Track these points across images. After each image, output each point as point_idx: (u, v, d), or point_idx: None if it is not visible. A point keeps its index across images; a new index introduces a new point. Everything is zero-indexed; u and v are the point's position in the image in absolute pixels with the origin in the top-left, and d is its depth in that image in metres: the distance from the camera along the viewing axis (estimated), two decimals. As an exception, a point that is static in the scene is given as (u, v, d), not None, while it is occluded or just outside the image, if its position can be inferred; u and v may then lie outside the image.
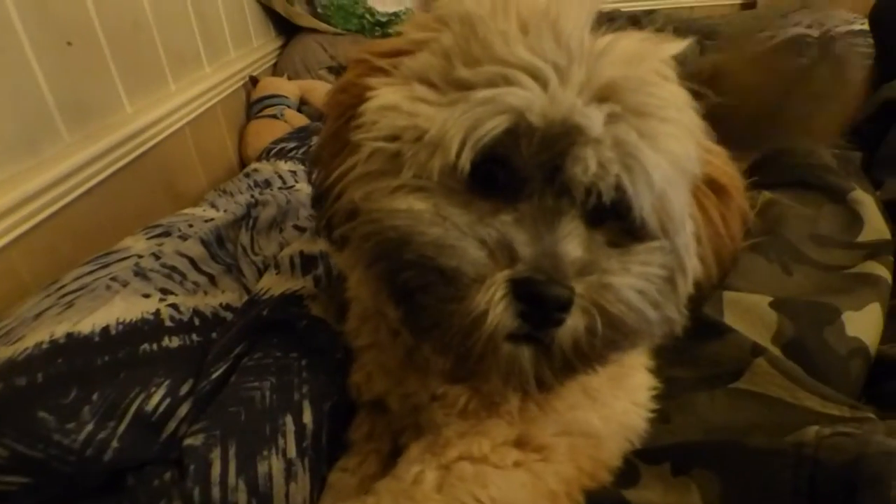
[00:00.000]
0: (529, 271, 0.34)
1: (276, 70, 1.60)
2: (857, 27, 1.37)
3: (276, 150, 1.23)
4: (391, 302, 0.40)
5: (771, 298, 0.61)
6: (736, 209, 0.44)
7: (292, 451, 0.52)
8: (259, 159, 1.23)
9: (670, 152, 0.36)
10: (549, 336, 0.35)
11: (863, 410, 0.51)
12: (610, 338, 0.36)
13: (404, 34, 0.43)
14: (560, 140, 0.34)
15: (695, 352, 0.58)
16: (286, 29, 1.66)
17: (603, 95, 0.35)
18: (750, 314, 0.60)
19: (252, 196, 0.84)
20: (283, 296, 0.62)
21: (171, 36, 1.14)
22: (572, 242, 0.35)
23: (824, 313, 0.60)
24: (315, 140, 0.48)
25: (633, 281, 0.36)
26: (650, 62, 0.38)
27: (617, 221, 0.37)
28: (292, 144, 1.24)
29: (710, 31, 1.58)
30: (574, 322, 0.35)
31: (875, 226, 0.72)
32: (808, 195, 0.78)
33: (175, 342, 0.60)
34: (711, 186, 0.42)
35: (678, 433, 0.52)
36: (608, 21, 0.39)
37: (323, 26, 1.59)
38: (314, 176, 0.45)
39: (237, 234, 0.74)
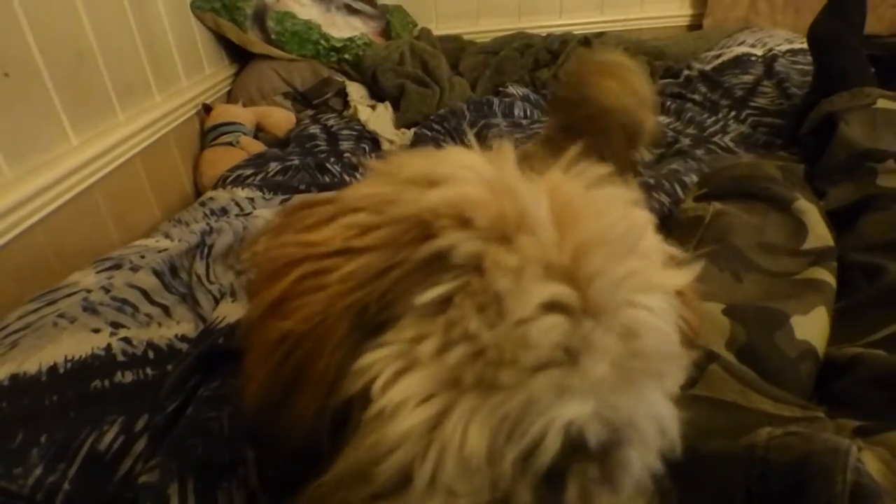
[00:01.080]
0: None
1: (230, 97, 1.58)
2: (797, 46, 1.44)
3: (232, 177, 1.21)
4: None
5: (723, 306, 0.63)
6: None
7: (254, 481, 0.50)
8: (215, 187, 1.21)
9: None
10: None
11: (813, 410, 0.53)
12: None
13: (360, 225, 0.32)
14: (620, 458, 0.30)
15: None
16: (239, 56, 1.65)
17: (643, 378, 0.30)
18: (704, 322, 0.61)
19: (207, 224, 0.82)
20: (239, 324, 0.60)
21: (118, 65, 1.12)
22: None
23: (774, 318, 0.62)
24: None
25: None
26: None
27: None
28: (249, 171, 1.22)
29: (658, 52, 1.64)
30: None
31: (819, 233, 0.75)
32: (754, 205, 0.81)
33: (128, 377, 0.58)
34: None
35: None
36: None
37: (277, 52, 1.59)
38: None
39: (192, 263, 0.73)
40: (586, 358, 0.28)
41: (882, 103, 0.96)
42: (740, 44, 1.52)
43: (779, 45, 1.47)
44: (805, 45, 1.37)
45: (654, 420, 0.30)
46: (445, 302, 0.30)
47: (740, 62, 1.46)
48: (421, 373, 0.29)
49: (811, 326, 0.62)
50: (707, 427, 0.53)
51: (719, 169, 0.93)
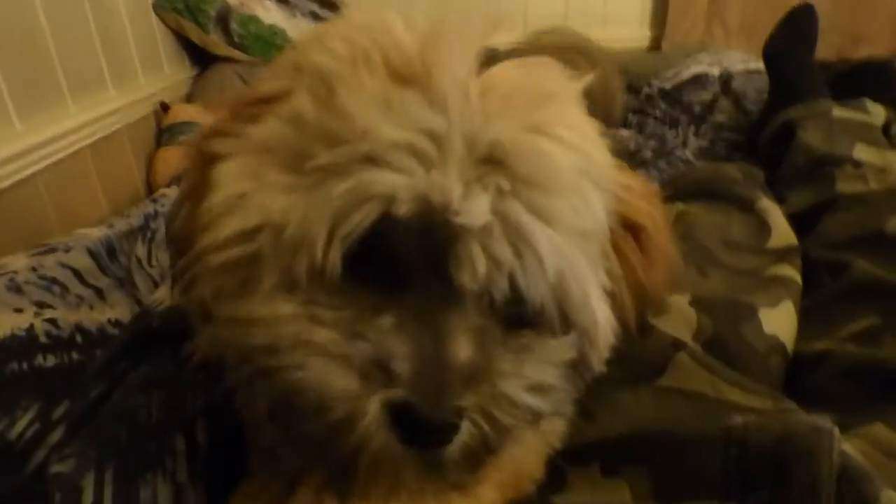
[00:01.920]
0: (408, 393, 0.29)
1: (190, 99, 1.54)
2: (752, 66, 1.48)
3: (187, 176, 1.16)
4: (262, 414, 0.34)
5: (689, 297, 0.62)
6: (657, 249, 0.40)
7: (182, 475, 0.45)
8: (169, 186, 1.16)
9: (568, 226, 0.31)
10: (437, 453, 0.31)
11: (785, 402, 0.51)
12: (503, 438, 0.32)
13: (262, 83, 0.36)
14: (439, 230, 0.29)
15: (617, 350, 0.56)
16: (201, 59, 1.60)
17: (489, 165, 0.29)
18: (671, 312, 0.60)
19: (154, 208, 0.77)
20: (178, 306, 0.56)
21: (71, 55, 1.07)
22: (461, 343, 0.30)
23: (741, 310, 0.61)
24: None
25: (528, 382, 0.32)
26: (549, 104, 0.32)
27: (511, 306, 0.32)
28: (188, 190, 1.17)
29: (620, 70, 1.67)
30: (463, 436, 0.30)
31: (782, 231, 0.75)
32: (717, 205, 0.81)
33: (50, 361, 0.53)
34: (628, 227, 0.38)
35: (604, 431, 0.50)
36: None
37: (240, 55, 1.55)
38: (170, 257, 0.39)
39: (132, 247, 0.68)
40: (427, 147, 0.28)
41: (837, 112, 0.98)
42: (698, 63, 1.56)
43: (734, 65, 1.51)
44: (760, 66, 1.41)
45: (499, 223, 0.29)
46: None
47: (698, 80, 1.49)
48: (251, 154, 0.32)
49: (779, 320, 0.61)
50: (677, 417, 0.51)
51: (682, 173, 0.93)
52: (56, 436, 0.48)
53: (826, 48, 1.94)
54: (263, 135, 0.32)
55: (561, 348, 0.33)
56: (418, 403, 0.28)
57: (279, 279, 0.30)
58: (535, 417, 0.32)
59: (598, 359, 0.36)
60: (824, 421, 0.39)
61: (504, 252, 0.29)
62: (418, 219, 0.28)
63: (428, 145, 0.28)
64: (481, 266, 0.29)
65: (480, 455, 0.31)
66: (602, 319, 0.34)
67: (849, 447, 0.40)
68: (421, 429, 0.29)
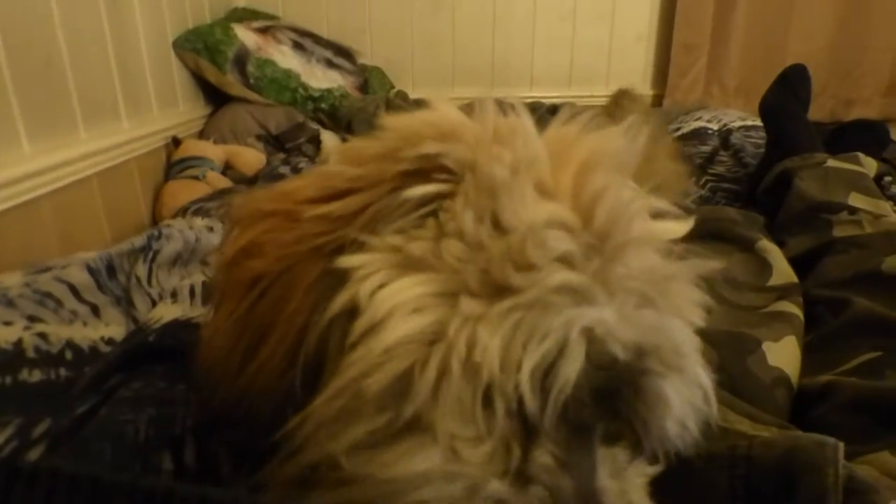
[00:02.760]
0: None
1: (202, 135, 1.57)
2: (749, 123, 1.53)
3: (193, 208, 1.17)
4: None
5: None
6: None
7: (167, 494, 0.43)
8: (174, 217, 1.17)
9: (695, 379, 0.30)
10: None
11: (793, 430, 0.50)
12: None
13: (338, 174, 0.31)
14: (631, 369, 0.27)
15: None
16: (215, 98, 1.65)
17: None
18: None
19: (157, 229, 0.78)
20: (176, 322, 0.55)
21: (88, 83, 1.10)
22: (608, 473, 0.29)
23: (746, 343, 0.61)
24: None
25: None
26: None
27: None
28: (212, 204, 1.19)
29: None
30: None
31: (783, 271, 0.76)
32: (718, 245, 0.81)
33: (36, 376, 0.52)
34: None
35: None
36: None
37: (254, 97, 1.60)
38: (204, 391, 0.32)
39: (133, 266, 0.68)
40: (600, 273, 0.26)
41: (831, 163, 1.00)
42: (697, 119, 1.61)
43: (733, 121, 1.55)
44: (757, 122, 1.45)
45: (682, 350, 0.28)
46: (434, 211, 0.28)
47: (698, 134, 1.53)
48: (414, 276, 0.26)
49: (783, 354, 0.61)
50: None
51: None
52: (36, 453, 0.47)
53: (819, 110, 2.01)
54: (425, 252, 0.27)
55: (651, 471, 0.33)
56: None
57: (462, 425, 0.26)
58: None
59: None
60: (828, 437, 0.38)
61: (692, 395, 0.29)
62: (629, 369, 0.27)
63: (630, 290, 0.27)
64: (677, 405, 0.28)
65: None
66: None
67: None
68: None
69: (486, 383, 0.25)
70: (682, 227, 0.33)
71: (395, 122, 0.33)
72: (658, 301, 0.28)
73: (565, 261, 0.26)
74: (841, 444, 0.37)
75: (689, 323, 0.30)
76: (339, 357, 0.27)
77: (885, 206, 0.90)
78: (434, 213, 0.28)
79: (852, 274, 0.72)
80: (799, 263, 0.81)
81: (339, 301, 0.27)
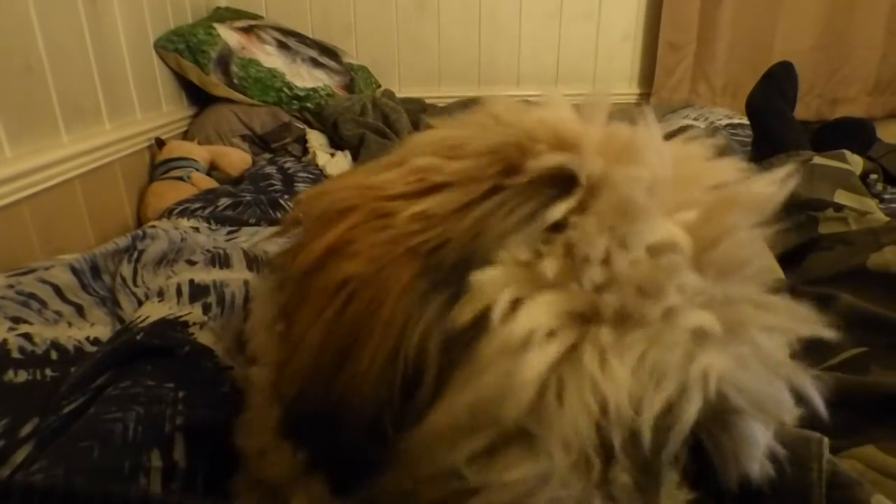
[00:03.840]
0: None
1: (186, 136, 1.56)
2: (735, 121, 1.54)
3: (178, 209, 1.16)
4: None
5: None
6: None
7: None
8: (159, 218, 1.16)
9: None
10: None
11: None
12: None
13: (434, 168, 0.28)
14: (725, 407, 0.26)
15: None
16: (199, 99, 1.64)
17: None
18: None
19: (142, 230, 0.77)
20: (164, 320, 0.54)
21: (69, 86, 1.08)
22: (667, 495, 0.28)
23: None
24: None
25: None
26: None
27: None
28: (197, 205, 1.17)
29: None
30: None
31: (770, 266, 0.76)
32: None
33: (21, 377, 0.51)
34: None
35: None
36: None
37: (239, 97, 1.59)
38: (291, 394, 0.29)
39: (118, 266, 0.67)
40: (725, 308, 0.25)
41: (817, 160, 1.01)
42: (684, 117, 1.62)
43: (719, 119, 1.57)
44: (743, 120, 1.46)
45: (775, 389, 0.27)
46: (557, 225, 0.26)
47: (685, 131, 1.54)
48: (549, 296, 0.25)
49: (769, 349, 0.61)
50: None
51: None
52: (23, 454, 0.46)
53: (806, 109, 2.03)
54: (559, 273, 0.25)
55: None
56: None
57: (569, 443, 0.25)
58: None
59: None
60: (812, 432, 0.38)
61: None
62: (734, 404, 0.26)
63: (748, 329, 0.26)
64: (763, 446, 0.28)
65: None
66: None
67: (841, 463, 0.40)
68: None
69: (607, 413, 0.24)
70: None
71: (502, 114, 0.31)
72: (762, 348, 0.26)
73: (692, 295, 0.25)
74: (825, 439, 0.38)
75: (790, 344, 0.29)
76: (452, 369, 0.26)
77: (870, 204, 0.91)
78: (561, 229, 0.26)
79: (838, 270, 0.72)
80: (785, 260, 0.82)
81: (462, 313, 0.25)
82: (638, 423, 0.24)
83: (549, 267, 0.25)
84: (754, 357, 0.25)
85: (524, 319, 0.24)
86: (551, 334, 0.24)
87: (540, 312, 0.25)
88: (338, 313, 0.27)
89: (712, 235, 0.26)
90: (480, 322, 0.25)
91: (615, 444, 0.25)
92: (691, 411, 0.24)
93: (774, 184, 0.29)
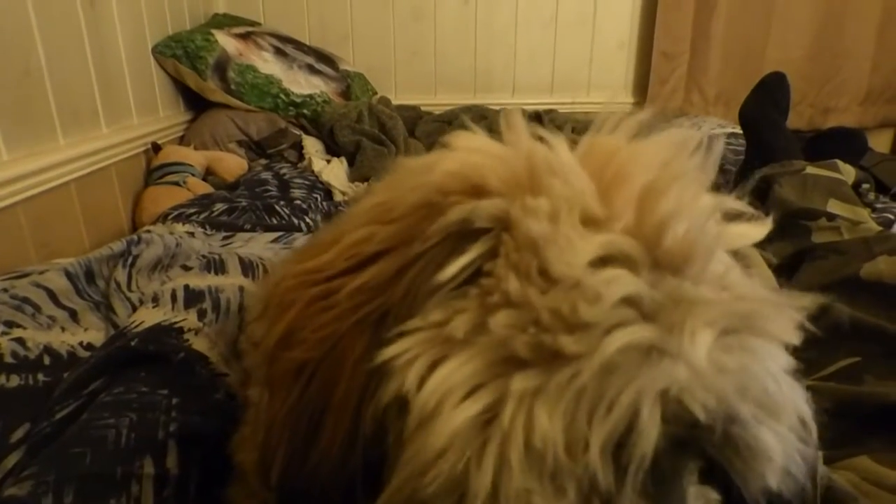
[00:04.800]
0: None
1: (182, 141, 1.56)
2: (728, 130, 1.55)
3: (174, 214, 1.16)
4: None
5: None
6: None
7: (149, 500, 0.43)
8: (154, 223, 1.16)
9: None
10: None
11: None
12: None
13: (366, 239, 0.29)
14: (715, 421, 0.24)
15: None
16: (196, 104, 1.64)
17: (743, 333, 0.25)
18: None
19: (137, 235, 0.77)
20: (159, 326, 0.54)
21: (67, 90, 1.08)
22: None
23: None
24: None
25: None
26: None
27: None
28: (193, 210, 1.17)
29: (603, 131, 1.73)
30: None
31: (764, 276, 0.76)
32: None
33: (14, 381, 0.51)
34: None
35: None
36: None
37: (236, 102, 1.59)
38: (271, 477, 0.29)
39: (112, 271, 0.66)
40: (671, 314, 0.23)
41: (810, 170, 1.02)
42: (678, 127, 1.63)
43: (713, 129, 1.58)
44: (737, 129, 1.47)
45: (774, 388, 0.24)
46: (474, 275, 0.25)
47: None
48: (460, 356, 0.24)
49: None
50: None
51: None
52: (13, 459, 0.46)
53: (798, 118, 2.05)
54: (468, 328, 0.24)
55: None
56: None
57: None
58: None
59: None
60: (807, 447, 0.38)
61: (793, 437, 0.26)
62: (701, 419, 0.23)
63: (701, 322, 0.23)
64: (779, 459, 0.25)
65: None
66: None
67: (836, 476, 0.40)
68: None
69: (551, 469, 0.22)
70: (760, 230, 0.30)
71: (416, 172, 0.30)
72: (746, 329, 0.24)
73: (629, 305, 0.23)
74: (820, 454, 0.37)
75: (783, 344, 0.26)
76: (398, 450, 0.25)
77: (863, 213, 0.92)
78: (475, 279, 0.25)
79: (831, 280, 0.72)
80: (778, 269, 0.82)
81: (388, 392, 0.25)
82: (589, 461, 0.22)
83: (461, 323, 0.24)
84: (720, 352, 0.23)
85: (435, 386, 0.24)
86: (467, 395, 0.23)
87: (452, 374, 0.24)
88: (299, 398, 0.28)
89: (650, 235, 0.24)
90: (402, 396, 0.24)
91: (571, 490, 0.23)
92: (646, 444, 0.22)
93: (704, 151, 0.29)
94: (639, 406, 0.22)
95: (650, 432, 0.22)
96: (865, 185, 1.12)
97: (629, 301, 0.23)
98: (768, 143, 1.19)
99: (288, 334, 0.29)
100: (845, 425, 0.51)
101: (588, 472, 0.22)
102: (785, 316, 0.26)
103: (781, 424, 0.25)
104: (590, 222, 0.24)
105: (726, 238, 0.28)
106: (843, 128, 1.45)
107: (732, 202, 0.30)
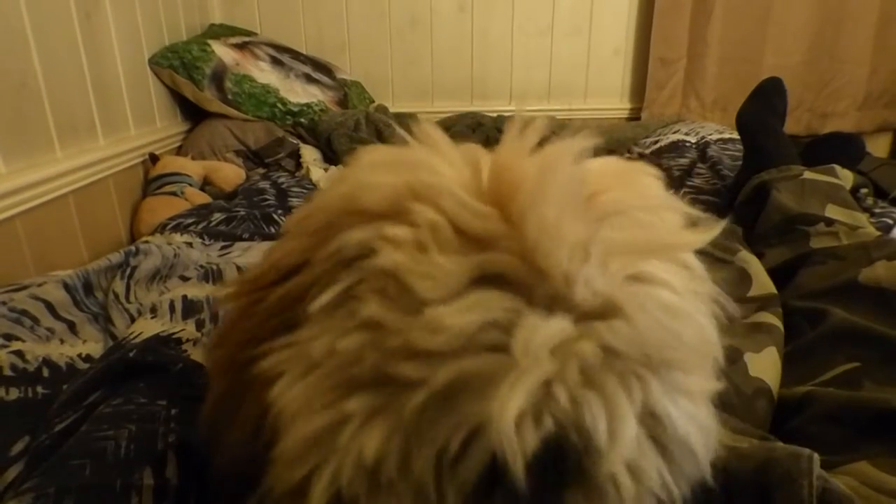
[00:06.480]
0: None
1: (179, 151, 1.56)
2: (726, 136, 1.55)
3: (172, 224, 1.15)
4: None
5: (675, 340, 0.61)
6: None
7: (148, 514, 0.42)
8: (152, 234, 1.16)
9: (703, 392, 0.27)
10: None
11: (772, 441, 0.50)
12: None
13: (290, 251, 0.30)
14: (570, 457, 0.23)
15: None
16: (193, 114, 1.64)
17: (629, 366, 0.23)
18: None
19: (135, 245, 0.77)
20: (157, 337, 0.54)
21: (63, 102, 1.09)
22: None
23: (727, 354, 0.61)
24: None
25: None
26: (674, 276, 0.27)
27: None
28: (191, 220, 1.17)
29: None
30: None
31: (762, 282, 0.77)
32: (698, 256, 0.82)
33: (13, 394, 0.51)
34: None
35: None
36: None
37: (233, 112, 1.59)
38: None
39: (110, 283, 0.66)
40: (527, 342, 0.22)
41: (808, 175, 1.02)
42: (675, 132, 1.63)
43: (710, 134, 1.58)
44: (734, 135, 1.47)
45: (658, 425, 0.24)
46: (346, 297, 0.26)
47: (676, 147, 1.55)
48: (316, 374, 0.25)
49: (764, 364, 0.61)
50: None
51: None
52: (14, 472, 0.45)
53: (796, 123, 2.06)
54: (324, 348, 0.25)
55: None
56: None
57: None
58: None
59: None
60: (803, 449, 0.38)
61: (654, 463, 0.24)
62: (546, 444, 0.22)
63: (548, 350, 0.22)
64: (629, 492, 0.24)
65: None
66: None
67: (834, 479, 0.40)
68: None
69: (386, 485, 0.23)
70: (697, 237, 0.29)
71: (334, 184, 0.32)
72: (605, 366, 0.23)
73: (481, 332, 0.23)
74: (816, 456, 0.37)
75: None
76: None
77: (861, 218, 0.92)
78: (346, 301, 0.26)
79: (830, 285, 0.72)
80: (777, 274, 0.82)
81: (255, 405, 0.27)
82: (420, 481, 0.23)
83: (319, 344, 0.25)
84: (573, 396, 0.22)
85: (290, 401, 0.25)
86: (315, 412, 0.24)
87: (303, 392, 0.25)
88: (222, 391, 0.32)
89: (528, 253, 0.23)
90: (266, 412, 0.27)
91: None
92: (474, 459, 0.23)
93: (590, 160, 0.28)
94: (459, 434, 0.22)
95: (473, 462, 0.22)
96: (864, 190, 1.12)
97: (482, 328, 0.23)
98: (766, 149, 1.19)
99: (221, 335, 0.32)
100: (844, 431, 0.51)
101: (421, 493, 0.23)
102: (697, 358, 0.26)
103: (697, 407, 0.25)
104: (460, 246, 0.24)
105: (636, 249, 0.26)
106: (841, 133, 1.46)
107: (673, 203, 0.29)
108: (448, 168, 0.27)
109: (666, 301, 0.25)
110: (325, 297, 0.26)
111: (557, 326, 0.23)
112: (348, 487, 0.24)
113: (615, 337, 0.23)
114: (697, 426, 0.25)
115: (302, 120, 1.66)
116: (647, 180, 0.31)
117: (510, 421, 0.21)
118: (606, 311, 0.23)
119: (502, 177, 0.25)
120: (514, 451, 0.21)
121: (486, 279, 0.23)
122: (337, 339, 0.25)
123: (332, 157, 1.61)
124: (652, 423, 0.24)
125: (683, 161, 1.49)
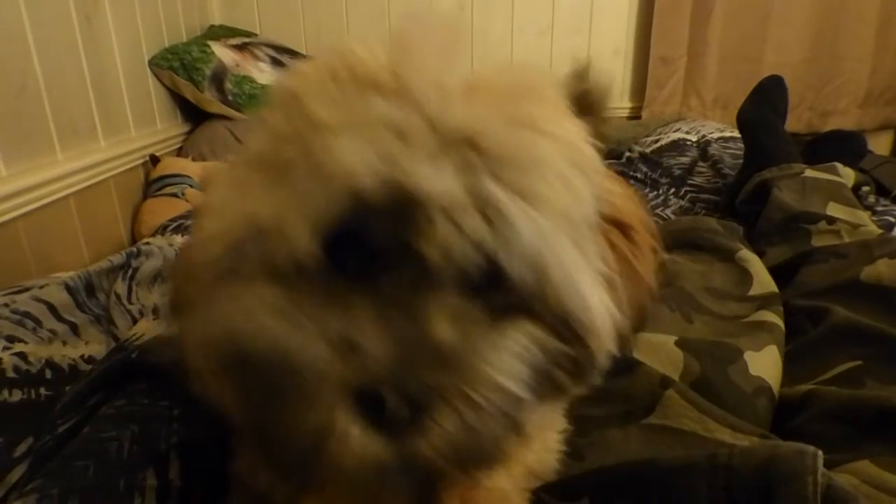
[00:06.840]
0: (378, 370, 0.26)
1: (180, 153, 1.56)
2: (727, 134, 1.55)
3: (173, 226, 1.16)
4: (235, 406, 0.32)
5: (675, 338, 0.62)
6: (644, 245, 0.39)
7: (152, 514, 0.42)
8: (153, 235, 1.16)
9: (551, 208, 0.29)
10: (411, 445, 0.27)
11: (773, 440, 0.50)
12: (490, 439, 0.29)
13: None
14: (407, 208, 0.27)
15: (606, 388, 0.56)
16: (193, 115, 1.64)
17: (463, 148, 0.28)
18: (657, 352, 0.59)
19: (136, 246, 0.77)
20: (160, 338, 0.54)
21: (64, 105, 1.09)
22: (437, 324, 0.28)
23: (727, 353, 0.61)
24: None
25: (511, 366, 0.29)
26: (531, 99, 0.32)
27: (494, 291, 0.30)
28: (191, 221, 1.17)
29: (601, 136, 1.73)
30: (444, 423, 0.27)
31: (763, 280, 0.77)
32: (699, 255, 0.82)
33: (16, 396, 0.51)
34: (615, 224, 0.37)
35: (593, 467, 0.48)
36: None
37: (233, 113, 1.59)
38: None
39: (112, 284, 0.66)
40: (386, 133, 0.28)
41: (809, 173, 1.02)
42: (676, 130, 1.63)
43: (711, 132, 1.58)
44: (735, 133, 1.47)
45: (471, 197, 0.27)
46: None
47: (677, 146, 1.55)
48: (236, 169, 0.32)
49: (764, 363, 0.61)
50: (665, 455, 0.50)
51: (664, 225, 0.95)
52: (17, 473, 0.46)
53: (797, 121, 2.05)
54: (247, 151, 0.33)
55: (535, 331, 0.31)
56: (387, 379, 0.26)
57: (260, 271, 0.29)
58: (519, 408, 0.29)
59: (599, 352, 0.33)
60: (808, 446, 0.38)
61: (475, 225, 0.27)
62: (386, 199, 0.27)
63: (394, 130, 0.28)
64: (451, 240, 0.27)
65: (469, 456, 0.28)
66: (597, 305, 0.32)
67: (838, 477, 0.40)
68: (392, 408, 0.26)
69: (270, 238, 0.29)
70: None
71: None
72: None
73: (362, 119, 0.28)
74: (820, 453, 0.37)
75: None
76: None
77: (862, 216, 0.92)
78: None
79: (831, 283, 0.72)
80: (778, 273, 0.82)
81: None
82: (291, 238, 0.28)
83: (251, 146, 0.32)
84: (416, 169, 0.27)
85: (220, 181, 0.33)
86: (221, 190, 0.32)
87: (221, 180, 0.32)
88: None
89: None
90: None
91: (281, 259, 0.29)
92: (326, 206, 0.27)
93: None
94: (323, 192, 0.27)
95: (328, 205, 0.27)
96: (865, 188, 1.12)
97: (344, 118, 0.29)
98: (767, 147, 1.19)
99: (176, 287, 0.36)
100: (847, 429, 0.51)
101: (288, 235, 0.28)
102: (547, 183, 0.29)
103: (536, 208, 0.29)
104: (366, 83, 0.30)
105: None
106: (842, 130, 1.46)
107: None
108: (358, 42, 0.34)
109: (527, 123, 0.30)
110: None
111: (403, 113, 0.28)
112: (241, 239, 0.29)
113: (453, 125, 0.28)
114: (537, 230, 0.28)
115: (302, 121, 1.66)
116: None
117: (362, 167, 0.27)
118: (460, 120, 0.28)
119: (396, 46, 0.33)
120: (368, 188, 0.27)
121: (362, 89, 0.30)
122: (252, 142, 0.32)
123: (332, 157, 1.61)
124: (477, 200, 0.27)
125: (684, 160, 1.49)
